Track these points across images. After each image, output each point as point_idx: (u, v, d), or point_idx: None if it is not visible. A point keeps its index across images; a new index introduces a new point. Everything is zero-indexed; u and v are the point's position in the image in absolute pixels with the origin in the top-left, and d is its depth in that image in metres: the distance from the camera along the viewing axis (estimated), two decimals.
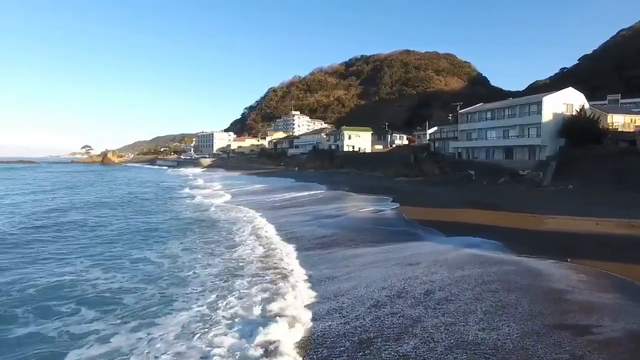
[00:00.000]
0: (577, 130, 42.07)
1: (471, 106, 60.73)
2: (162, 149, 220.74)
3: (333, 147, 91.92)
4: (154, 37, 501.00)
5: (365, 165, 65.68)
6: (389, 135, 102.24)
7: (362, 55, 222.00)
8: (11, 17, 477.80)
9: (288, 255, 14.67)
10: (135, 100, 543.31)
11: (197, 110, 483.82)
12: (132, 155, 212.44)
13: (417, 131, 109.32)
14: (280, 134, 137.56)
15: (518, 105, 49.48)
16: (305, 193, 38.45)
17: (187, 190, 45.39)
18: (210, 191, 44.14)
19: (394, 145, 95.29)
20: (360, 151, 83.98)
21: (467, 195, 33.24)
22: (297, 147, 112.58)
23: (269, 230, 19.46)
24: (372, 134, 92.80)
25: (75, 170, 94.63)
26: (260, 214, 25.23)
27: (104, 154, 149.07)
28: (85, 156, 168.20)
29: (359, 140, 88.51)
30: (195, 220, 23.38)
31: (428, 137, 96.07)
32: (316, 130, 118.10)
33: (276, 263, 13.65)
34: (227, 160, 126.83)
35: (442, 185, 42.34)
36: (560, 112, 44.36)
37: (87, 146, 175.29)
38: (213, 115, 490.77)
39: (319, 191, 40.30)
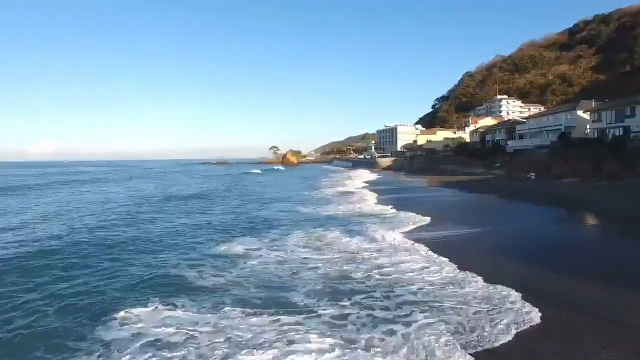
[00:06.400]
0: None
1: None
2: (345, 148, 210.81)
3: (611, 132, 49.70)
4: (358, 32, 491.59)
5: None
6: None
7: (595, 15, 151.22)
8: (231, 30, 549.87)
9: None
10: (328, 100, 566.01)
11: (387, 107, 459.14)
12: (315, 156, 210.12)
13: None
14: (489, 121, 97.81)
15: None
16: None
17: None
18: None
19: None
20: None
21: None
22: (521, 137, 72.54)
23: None
24: None
25: (241, 172, 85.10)
26: None
27: (284, 155, 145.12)
28: (272, 156, 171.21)
29: None
30: None
31: None
32: (561, 108, 74.00)
33: None
34: (412, 161, 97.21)
35: None
36: None
37: (274, 147, 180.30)
38: (403, 110, 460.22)
39: None
